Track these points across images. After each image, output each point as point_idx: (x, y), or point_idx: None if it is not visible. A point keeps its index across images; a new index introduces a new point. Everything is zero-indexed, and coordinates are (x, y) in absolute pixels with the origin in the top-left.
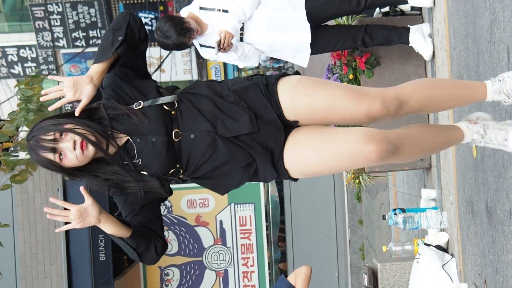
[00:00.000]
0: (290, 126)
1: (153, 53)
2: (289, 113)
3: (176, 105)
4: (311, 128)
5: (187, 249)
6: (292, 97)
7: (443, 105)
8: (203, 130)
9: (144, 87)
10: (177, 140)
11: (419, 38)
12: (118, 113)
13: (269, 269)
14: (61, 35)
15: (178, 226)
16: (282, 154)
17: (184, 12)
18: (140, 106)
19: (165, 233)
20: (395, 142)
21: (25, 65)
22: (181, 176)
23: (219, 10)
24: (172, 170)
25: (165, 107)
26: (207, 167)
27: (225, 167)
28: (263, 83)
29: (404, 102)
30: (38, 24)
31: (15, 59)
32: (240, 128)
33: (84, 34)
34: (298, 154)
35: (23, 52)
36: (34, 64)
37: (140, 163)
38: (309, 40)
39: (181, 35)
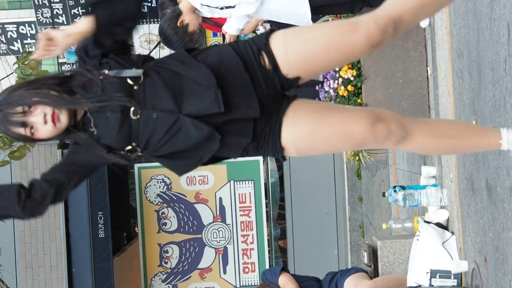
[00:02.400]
0: (284, 95)
1: (153, 29)
2: (287, 68)
3: (142, 80)
4: (314, 103)
5: (187, 226)
6: (285, 50)
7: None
8: (166, 109)
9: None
10: (135, 118)
11: None
12: (85, 80)
13: (268, 247)
14: (60, 12)
15: (177, 203)
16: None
17: (183, 5)
18: (102, 77)
19: (165, 210)
20: (406, 125)
21: (25, 41)
22: (139, 154)
23: (222, 8)
24: (128, 148)
25: (128, 81)
26: (168, 148)
27: (187, 147)
28: (252, 48)
29: (398, 20)
30: (38, 1)
31: (15, 35)
32: (205, 108)
33: (84, 10)
34: (297, 129)
35: (22, 29)
36: (34, 41)
37: (96, 133)
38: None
39: (184, 45)
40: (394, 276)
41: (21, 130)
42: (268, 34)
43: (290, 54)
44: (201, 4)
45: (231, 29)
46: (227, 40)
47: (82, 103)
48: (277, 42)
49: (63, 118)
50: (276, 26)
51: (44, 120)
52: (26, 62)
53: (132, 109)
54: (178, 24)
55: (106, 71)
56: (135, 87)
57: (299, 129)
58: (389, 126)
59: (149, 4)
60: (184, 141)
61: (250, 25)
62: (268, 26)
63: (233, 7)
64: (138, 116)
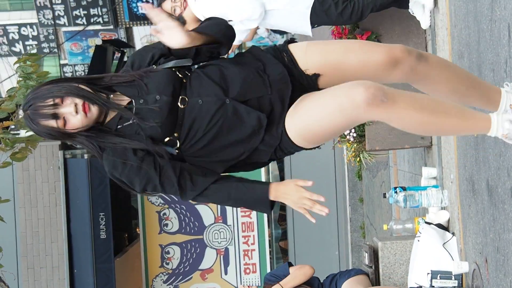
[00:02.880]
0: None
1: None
2: (304, 64)
3: (189, 74)
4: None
5: (188, 227)
6: (305, 52)
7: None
8: (212, 94)
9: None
10: (182, 107)
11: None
12: (122, 80)
13: (269, 248)
14: (62, 13)
15: (178, 204)
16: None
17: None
18: (151, 69)
19: (166, 211)
20: (389, 92)
21: (26, 43)
22: (176, 150)
23: None
24: (168, 138)
25: (178, 73)
26: (209, 136)
27: (230, 136)
28: (271, 49)
29: (425, 56)
30: (39, 2)
31: (16, 37)
32: (253, 91)
33: (85, 12)
34: (296, 114)
35: (24, 30)
36: (35, 42)
37: (135, 122)
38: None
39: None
40: (390, 287)
41: (52, 123)
42: (289, 41)
43: (309, 54)
44: (203, 16)
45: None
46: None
47: (111, 105)
48: (297, 46)
49: (94, 109)
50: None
51: (75, 110)
52: (28, 63)
53: (180, 97)
54: None
55: (154, 66)
56: (184, 80)
57: (295, 117)
58: (368, 88)
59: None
60: (229, 129)
61: (250, 34)
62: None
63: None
64: (185, 105)
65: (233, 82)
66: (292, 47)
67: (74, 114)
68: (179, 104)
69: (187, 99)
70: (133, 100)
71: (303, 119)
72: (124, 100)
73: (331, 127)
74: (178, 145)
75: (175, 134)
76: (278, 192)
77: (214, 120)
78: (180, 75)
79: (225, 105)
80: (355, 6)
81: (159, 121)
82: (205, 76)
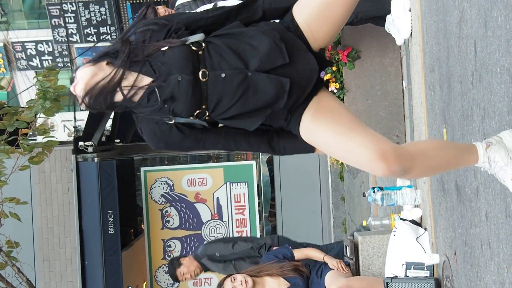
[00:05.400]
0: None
1: None
2: (309, 34)
3: (204, 46)
4: (334, 107)
5: (187, 223)
6: (300, 13)
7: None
8: (233, 67)
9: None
10: (204, 80)
11: (393, 28)
12: (150, 52)
13: None
14: (74, 31)
15: (179, 203)
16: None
17: None
18: (167, 48)
19: (168, 209)
20: (407, 164)
21: (43, 58)
22: (206, 117)
23: None
24: (197, 111)
25: (192, 47)
26: (238, 108)
27: (255, 103)
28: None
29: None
30: (54, 21)
31: (34, 52)
32: (273, 61)
33: (96, 30)
34: (316, 125)
35: (40, 47)
36: (51, 57)
37: (159, 102)
38: None
39: None
40: (368, 277)
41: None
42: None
43: (303, 14)
44: None
45: None
46: None
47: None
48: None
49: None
50: None
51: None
52: (47, 76)
53: (200, 71)
54: None
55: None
56: (200, 52)
57: (317, 129)
58: (389, 166)
59: None
60: (256, 99)
61: None
62: None
63: None
64: (207, 78)
65: (253, 53)
66: (296, 15)
67: None
68: (200, 77)
69: (207, 72)
70: (156, 80)
71: (318, 141)
72: (144, 80)
73: (339, 159)
74: (207, 114)
75: (203, 107)
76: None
77: (239, 93)
78: (194, 48)
79: (248, 78)
80: None
81: (186, 101)
82: (225, 47)
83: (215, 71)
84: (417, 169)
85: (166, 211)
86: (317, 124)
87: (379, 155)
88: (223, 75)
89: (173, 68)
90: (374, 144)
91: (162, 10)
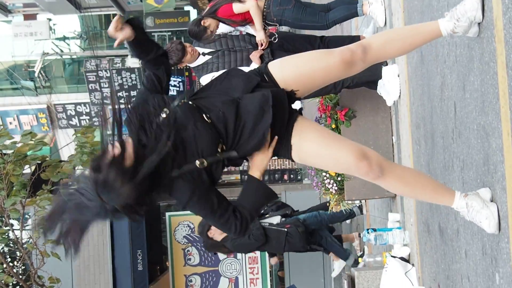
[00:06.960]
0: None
1: None
2: (282, 83)
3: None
4: (316, 126)
5: (206, 261)
6: (281, 70)
7: (404, 45)
8: (226, 101)
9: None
10: (209, 121)
11: (384, 92)
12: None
13: (270, 276)
14: (109, 95)
15: (199, 243)
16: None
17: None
18: (166, 114)
19: (189, 248)
20: (385, 166)
21: (81, 118)
22: (230, 154)
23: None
24: (219, 149)
25: (190, 102)
26: (246, 131)
27: (252, 122)
28: (254, 71)
29: (367, 47)
30: (91, 86)
31: (73, 113)
32: (249, 87)
33: (127, 93)
34: (305, 142)
35: (79, 108)
36: (88, 117)
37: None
38: None
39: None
40: None
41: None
42: (266, 63)
43: (285, 74)
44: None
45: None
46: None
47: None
48: (274, 66)
49: None
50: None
51: None
52: (85, 133)
53: (204, 115)
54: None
55: (167, 110)
56: (194, 105)
57: (307, 145)
58: (371, 165)
59: (178, 89)
60: (249, 114)
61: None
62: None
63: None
64: (211, 120)
65: (235, 89)
66: (270, 66)
67: None
68: (206, 119)
69: (208, 114)
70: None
71: (310, 155)
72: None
73: (330, 169)
74: (224, 148)
75: (220, 140)
76: (256, 169)
77: (238, 119)
78: (195, 105)
79: (239, 103)
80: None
81: (207, 141)
82: (208, 97)
83: (213, 111)
84: (392, 176)
85: (188, 250)
86: (306, 141)
87: (362, 154)
88: (220, 112)
89: (185, 122)
90: (359, 147)
91: (189, 49)
